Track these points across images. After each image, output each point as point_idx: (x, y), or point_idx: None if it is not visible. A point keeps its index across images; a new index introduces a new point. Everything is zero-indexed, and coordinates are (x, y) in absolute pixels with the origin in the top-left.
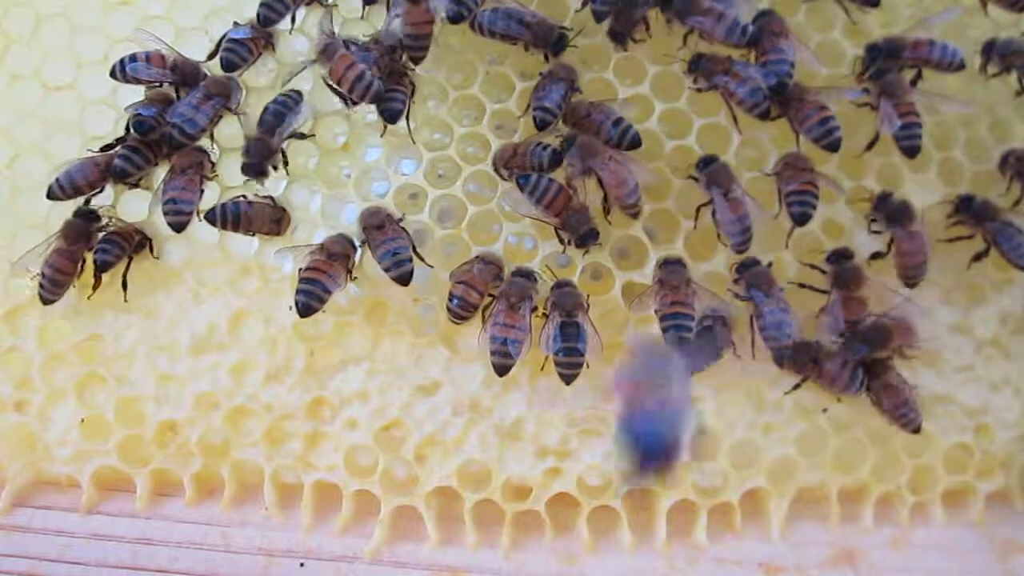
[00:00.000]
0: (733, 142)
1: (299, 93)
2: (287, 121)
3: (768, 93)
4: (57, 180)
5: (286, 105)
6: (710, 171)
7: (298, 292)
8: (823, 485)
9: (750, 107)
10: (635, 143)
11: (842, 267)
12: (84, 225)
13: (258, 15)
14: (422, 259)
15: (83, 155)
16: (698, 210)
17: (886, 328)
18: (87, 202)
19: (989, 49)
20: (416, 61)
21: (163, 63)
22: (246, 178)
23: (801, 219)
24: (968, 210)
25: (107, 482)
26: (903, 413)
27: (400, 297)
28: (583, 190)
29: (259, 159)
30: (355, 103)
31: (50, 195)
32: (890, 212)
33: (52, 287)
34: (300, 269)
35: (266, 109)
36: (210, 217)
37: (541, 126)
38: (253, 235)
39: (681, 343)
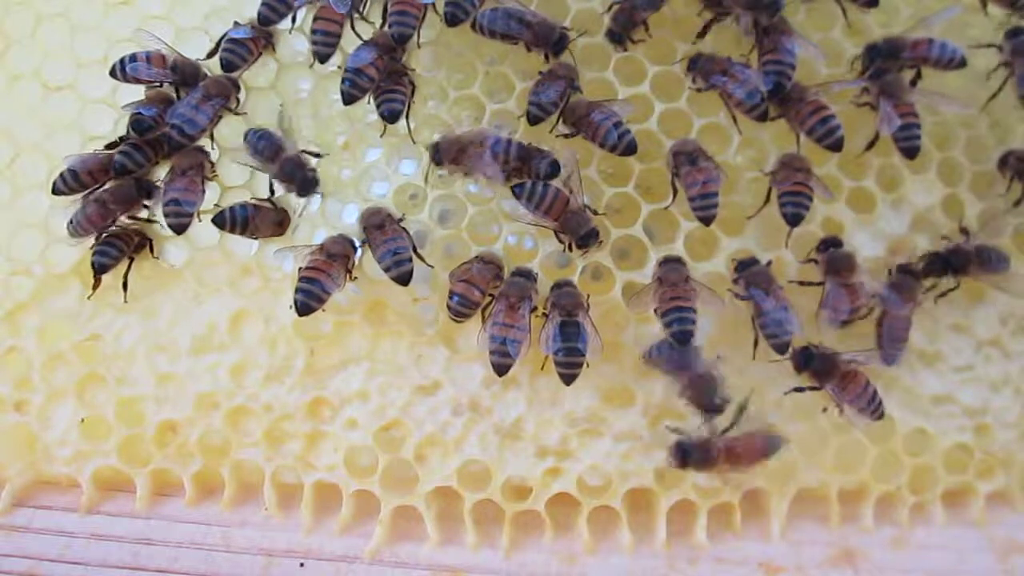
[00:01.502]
0: (733, 142)
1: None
2: (276, 138)
3: (766, 95)
4: (61, 175)
5: (260, 132)
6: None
7: (297, 291)
8: (823, 485)
9: (748, 109)
10: (631, 149)
11: (833, 254)
12: (135, 191)
13: (258, 14)
14: (422, 259)
15: (68, 155)
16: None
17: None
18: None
19: (1011, 36)
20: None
21: (163, 63)
22: (296, 192)
23: (794, 220)
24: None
25: (107, 482)
26: (868, 402)
27: (400, 297)
28: (580, 192)
29: (299, 170)
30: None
31: (55, 190)
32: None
33: (78, 230)
34: (300, 269)
35: (256, 141)
36: (219, 221)
37: (532, 122)
38: (257, 238)
39: (685, 338)
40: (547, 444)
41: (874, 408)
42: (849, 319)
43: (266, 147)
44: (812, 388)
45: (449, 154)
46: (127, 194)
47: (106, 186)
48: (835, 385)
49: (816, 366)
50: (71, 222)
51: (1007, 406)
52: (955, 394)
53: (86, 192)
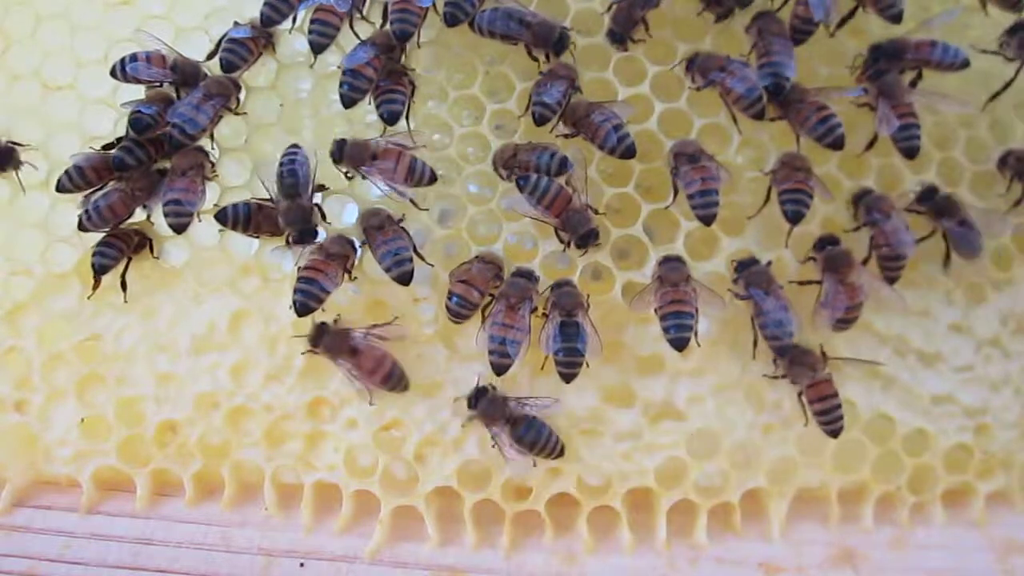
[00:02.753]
0: (733, 142)
1: (295, 145)
2: (303, 176)
3: (764, 94)
4: (67, 172)
5: (294, 161)
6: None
7: (296, 291)
8: (823, 485)
9: (746, 105)
10: (630, 153)
11: (831, 252)
12: (157, 178)
13: (261, 15)
14: (423, 258)
15: (75, 154)
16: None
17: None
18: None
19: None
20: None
21: (163, 63)
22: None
23: (794, 217)
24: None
25: (107, 482)
26: (827, 412)
27: (400, 297)
28: (584, 191)
29: (301, 223)
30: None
31: (60, 187)
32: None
33: (98, 221)
34: (298, 268)
35: (280, 174)
36: (220, 217)
37: (539, 121)
38: (257, 236)
39: (682, 345)
40: None
41: (830, 421)
42: (848, 317)
43: (291, 182)
44: (782, 377)
45: (355, 160)
46: (153, 183)
47: (119, 179)
48: (806, 380)
49: (793, 355)
50: (89, 213)
51: (1007, 406)
52: (955, 394)
53: (90, 190)
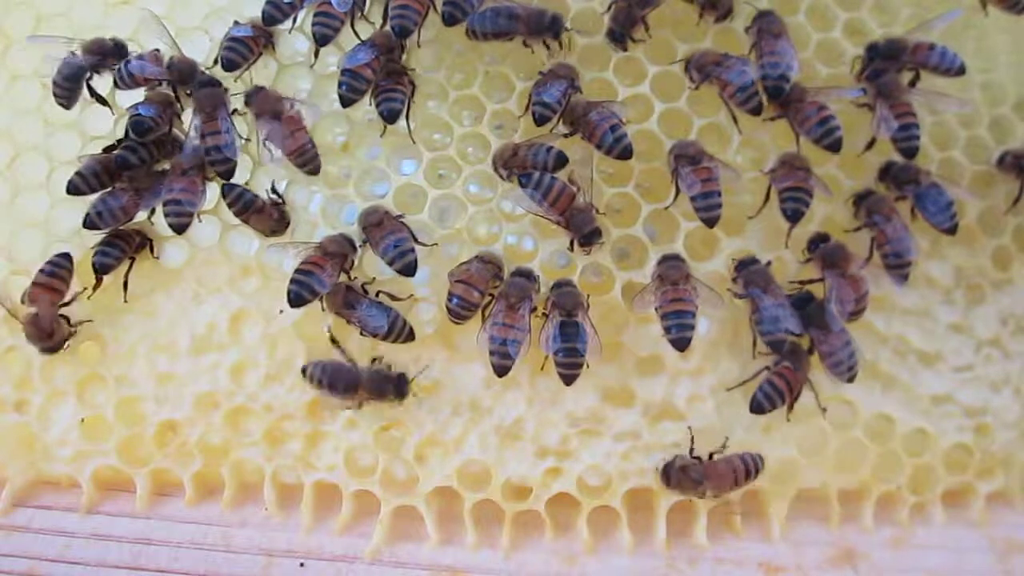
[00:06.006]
0: (733, 142)
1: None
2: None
3: (760, 86)
4: (79, 173)
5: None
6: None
7: (291, 281)
8: (823, 485)
9: (743, 99)
10: (627, 153)
11: (826, 248)
12: (160, 178)
13: (263, 13)
14: (424, 244)
15: (83, 155)
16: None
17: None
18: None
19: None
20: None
21: (158, 62)
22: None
23: (794, 216)
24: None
25: (107, 482)
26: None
27: (399, 298)
28: (588, 190)
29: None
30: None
31: (72, 190)
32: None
33: (111, 220)
34: (297, 264)
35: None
36: (226, 190)
37: (540, 121)
38: (246, 222)
39: (684, 344)
40: (547, 444)
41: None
42: (857, 309)
43: None
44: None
45: (259, 108)
46: (155, 182)
47: (124, 179)
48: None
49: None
50: (102, 213)
51: (1007, 406)
52: (955, 394)
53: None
